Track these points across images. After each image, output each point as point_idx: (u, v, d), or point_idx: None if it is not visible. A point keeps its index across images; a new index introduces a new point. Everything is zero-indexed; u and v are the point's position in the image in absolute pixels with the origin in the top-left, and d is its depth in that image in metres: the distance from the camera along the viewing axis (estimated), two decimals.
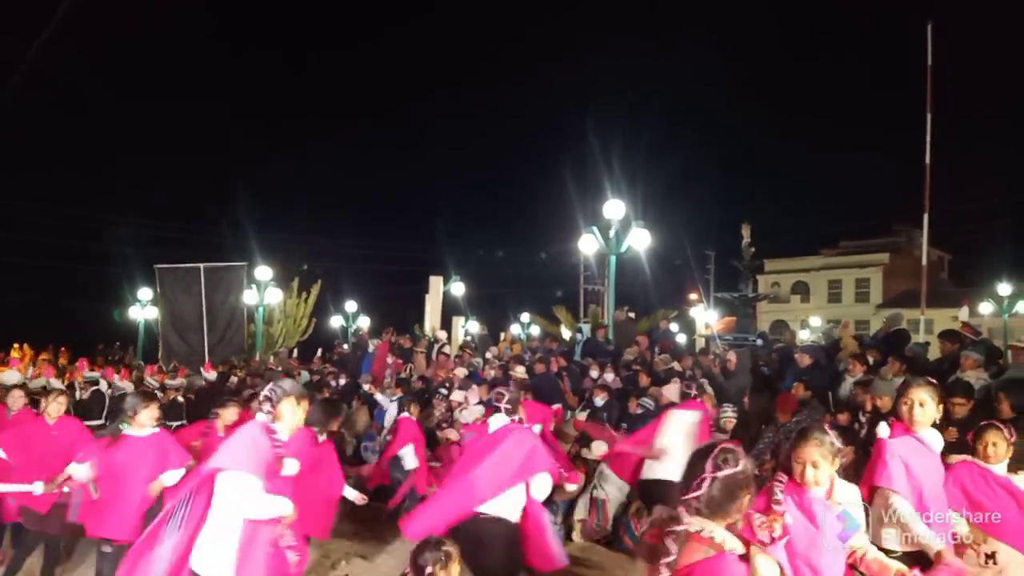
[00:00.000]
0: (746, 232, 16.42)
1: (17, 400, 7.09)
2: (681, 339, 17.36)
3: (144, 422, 5.24)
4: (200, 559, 3.57)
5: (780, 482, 3.24)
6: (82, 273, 35.91)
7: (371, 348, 15.00)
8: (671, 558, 2.26)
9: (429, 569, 3.11)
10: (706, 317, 25.38)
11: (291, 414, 3.80)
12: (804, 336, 23.94)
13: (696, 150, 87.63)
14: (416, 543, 3.31)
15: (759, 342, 12.31)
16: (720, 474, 2.31)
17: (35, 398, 7.44)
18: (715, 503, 2.29)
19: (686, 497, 2.33)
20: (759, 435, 7.56)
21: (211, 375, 14.48)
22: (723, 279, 32.76)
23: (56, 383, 10.13)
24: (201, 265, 21.12)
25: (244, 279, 21.06)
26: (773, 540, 3.08)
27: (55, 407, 6.23)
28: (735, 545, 2.25)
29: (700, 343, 18.23)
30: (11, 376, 10.04)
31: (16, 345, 18.60)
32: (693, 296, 32.91)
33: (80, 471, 5.12)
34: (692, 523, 2.28)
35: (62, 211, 39.49)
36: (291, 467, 3.61)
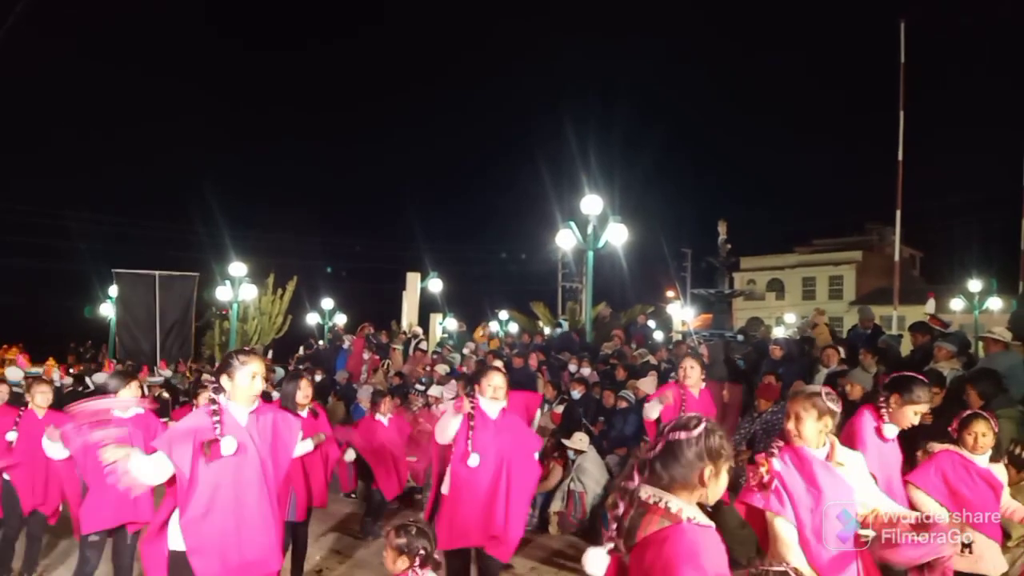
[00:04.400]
0: (722, 229, 16.49)
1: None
2: (659, 336, 17.41)
3: (127, 400, 5.10)
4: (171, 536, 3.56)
5: (777, 446, 3.26)
6: (52, 271, 35.38)
7: (347, 344, 14.92)
8: (618, 511, 2.18)
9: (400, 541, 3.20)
10: (683, 314, 25.53)
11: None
12: (779, 332, 24.16)
13: (672, 148, 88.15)
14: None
15: (739, 338, 12.39)
16: (672, 436, 2.18)
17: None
18: (669, 467, 2.16)
19: (642, 456, 2.22)
20: (736, 426, 7.61)
21: (167, 373, 14.50)
22: (699, 276, 32.96)
23: None
24: (156, 272, 22.41)
25: (195, 289, 22.86)
26: (762, 486, 3.09)
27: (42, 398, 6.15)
28: (693, 514, 2.13)
29: (677, 339, 18.31)
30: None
31: None
32: (670, 293, 33.12)
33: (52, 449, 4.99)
34: (644, 491, 2.17)
35: (32, 209, 38.80)
36: (228, 446, 3.52)
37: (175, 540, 3.52)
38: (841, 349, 8.88)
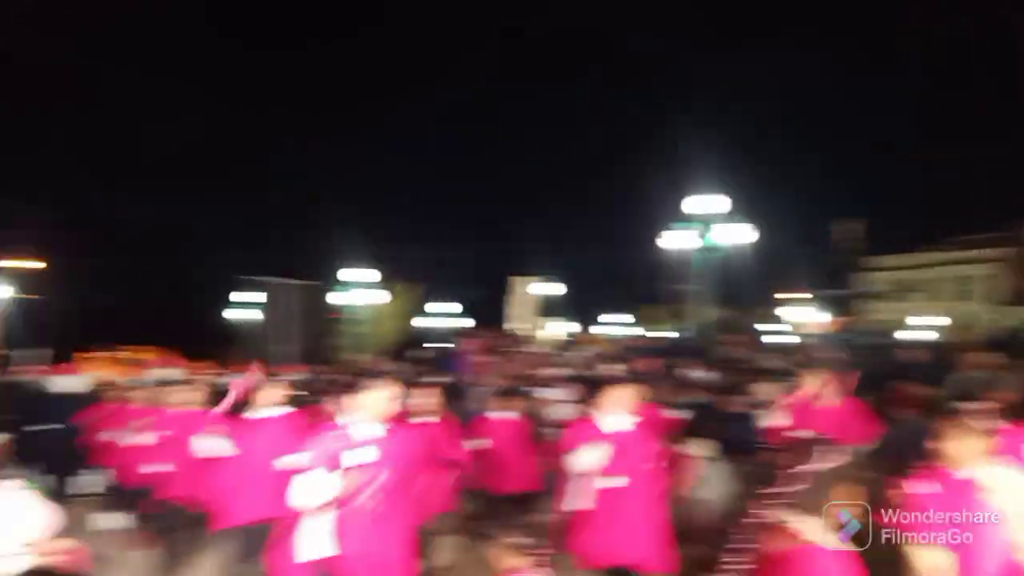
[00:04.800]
0: (856, 229, 15.74)
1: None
2: (786, 338, 16.72)
3: (267, 402, 5.32)
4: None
5: (924, 468, 3.10)
6: (186, 275, 37.45)
7: (462, 348, 15.10)
8: (744, 544, 2.24)
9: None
10: (810, 316, 24.47)
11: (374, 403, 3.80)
12: (917, 335, 22.77)
13: (805, 146, 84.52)
14: None
15: (871, 340, 11.74)
16: (810, 469, 2.22)
17: None
18: (804, 497, 2.19)
19: (775, 490, 2.23)
20: (869, 440, 7.13)
21: (298, 375, 15.15)
22: (831, 276, 31.43)
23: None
24: (293, 281, 25.33)
25: (321, 296, 25.41)
26: (901, 508, 2.93)
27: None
28: (820, 537, 2.16)
29: (805, 341, 17.54)
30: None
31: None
32: (799, 294, 31.81)
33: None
34: (777, 515, 2.20)
35: (172, 215, 41.28)
36: (364, 457, 3.61)
37: (310, 549, 3.67)
38: (989, 354, 8.17)
